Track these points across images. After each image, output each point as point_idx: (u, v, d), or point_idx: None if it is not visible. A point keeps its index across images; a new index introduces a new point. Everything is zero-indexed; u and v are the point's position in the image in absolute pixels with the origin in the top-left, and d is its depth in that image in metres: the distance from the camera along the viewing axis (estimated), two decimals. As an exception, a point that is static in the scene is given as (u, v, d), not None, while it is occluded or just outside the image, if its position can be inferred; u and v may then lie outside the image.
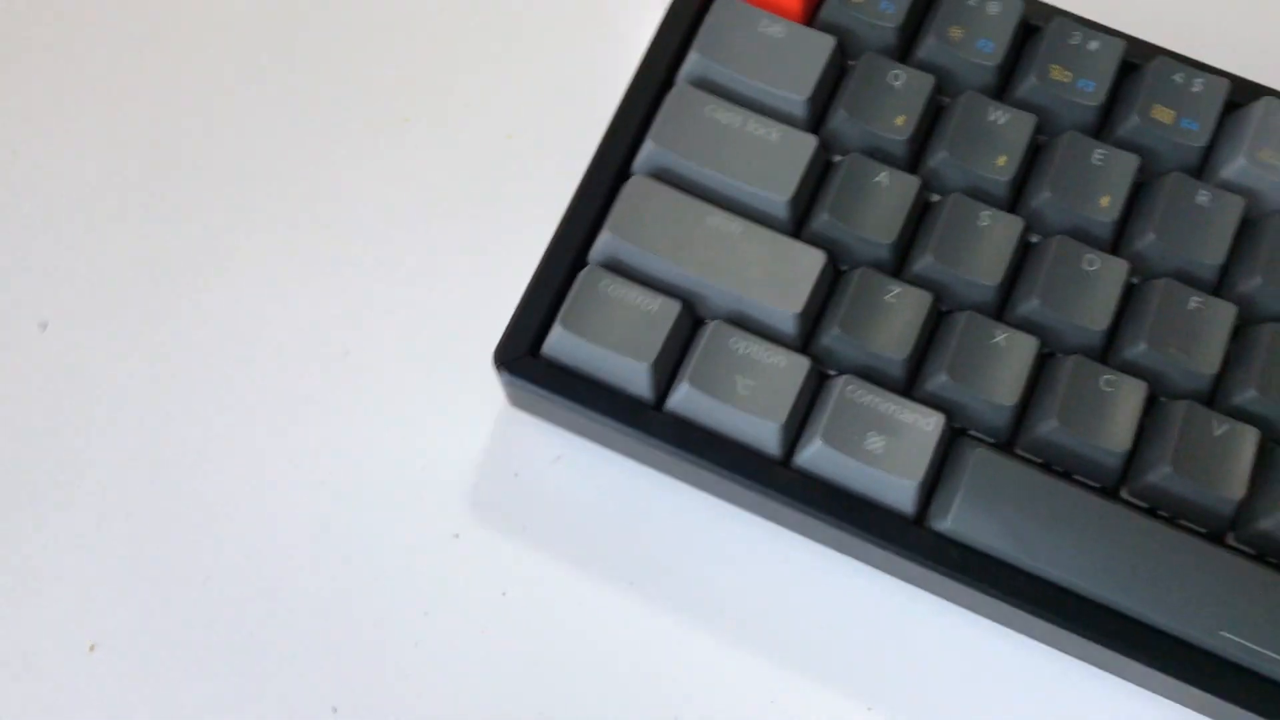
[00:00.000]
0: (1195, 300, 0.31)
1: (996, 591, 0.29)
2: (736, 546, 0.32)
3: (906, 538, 0.29)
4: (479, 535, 0.32)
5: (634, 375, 0.30)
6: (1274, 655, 0.28)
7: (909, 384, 0.31)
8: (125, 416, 0.33)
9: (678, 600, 0.32)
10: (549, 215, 0.35)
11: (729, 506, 0.32)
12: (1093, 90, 0.32)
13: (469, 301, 0.35)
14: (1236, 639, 0.28)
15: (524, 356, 0.31)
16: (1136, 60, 0.33)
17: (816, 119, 0.32)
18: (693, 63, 0.32)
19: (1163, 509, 0.30)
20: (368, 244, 0.35)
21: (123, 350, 0.34)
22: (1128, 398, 0.30)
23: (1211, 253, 0.31)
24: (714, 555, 0.32)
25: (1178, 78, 0.32)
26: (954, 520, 0.29)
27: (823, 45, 0.32)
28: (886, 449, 0.29)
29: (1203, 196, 0.31)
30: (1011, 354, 0.30)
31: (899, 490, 0.29)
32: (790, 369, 0.30)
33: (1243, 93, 0.33)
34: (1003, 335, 0.30)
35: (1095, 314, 0.30)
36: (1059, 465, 0.30)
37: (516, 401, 0.32)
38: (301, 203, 0.36)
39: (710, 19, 0.33)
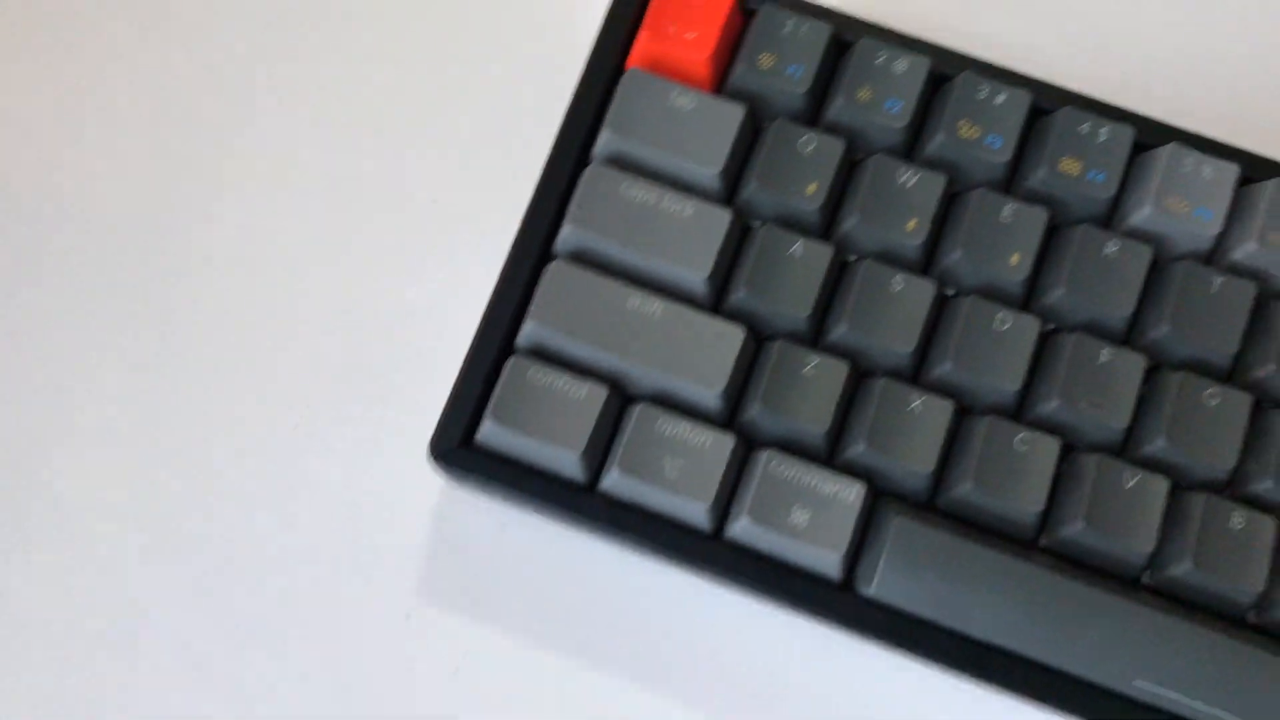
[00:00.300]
0: (1106, 353, 0.32)
1: (922, 651, 0.31)
2: (679, 607, 0.33)
3: (834, 605, 0.31)
4: (430, 614, 0.34)
5: (566, 462, 0.31)
6: (1184, 699, 0.30)
7: (831, 450, 0.32)
8: (72, 512, 0.34)
9: (626, 663, 0.33)
10: (478, 285, 0.35)
11: (671, 568, 0.33)
12: (1001, 146, 0.32)
13: (405, 378, 0.36)
14: (1150, 686, 0.30)
15: (458, 448, 0.32)
16: (1046, 105, 0.33)
17: (731, 188, 0.33)
18: (605, 140, 0.33)
19: (1079, 560, 0.31)
20: (299, 324, 0.36)
21: (62, 441, 0.35)
22: (1042, 456, 0.31)
23: (1121, 304, 0.32)
24: (659, 617, 0.33)
25: (1084, 128, 0.32)
26: (878, 587, 0.30)
27: (733, 115, 0.33)
28: (811, 522, 0.31)
29: (1111, 248, 0.32)
30: (927, 420, 0.31)
31: (825, 560, 0.31)
32: (716, 448, 0.31)
33: (1149, 133, 0.33)
34: (919, 401, 0.31)
35: (1008, 374, 0.31)
36: (978, 522, 0.31)
37: (457, 482, 0.33)
38: (234, 285, 0.36)
39: (620, 94, 0.33)
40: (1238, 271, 0.32)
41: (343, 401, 0.35)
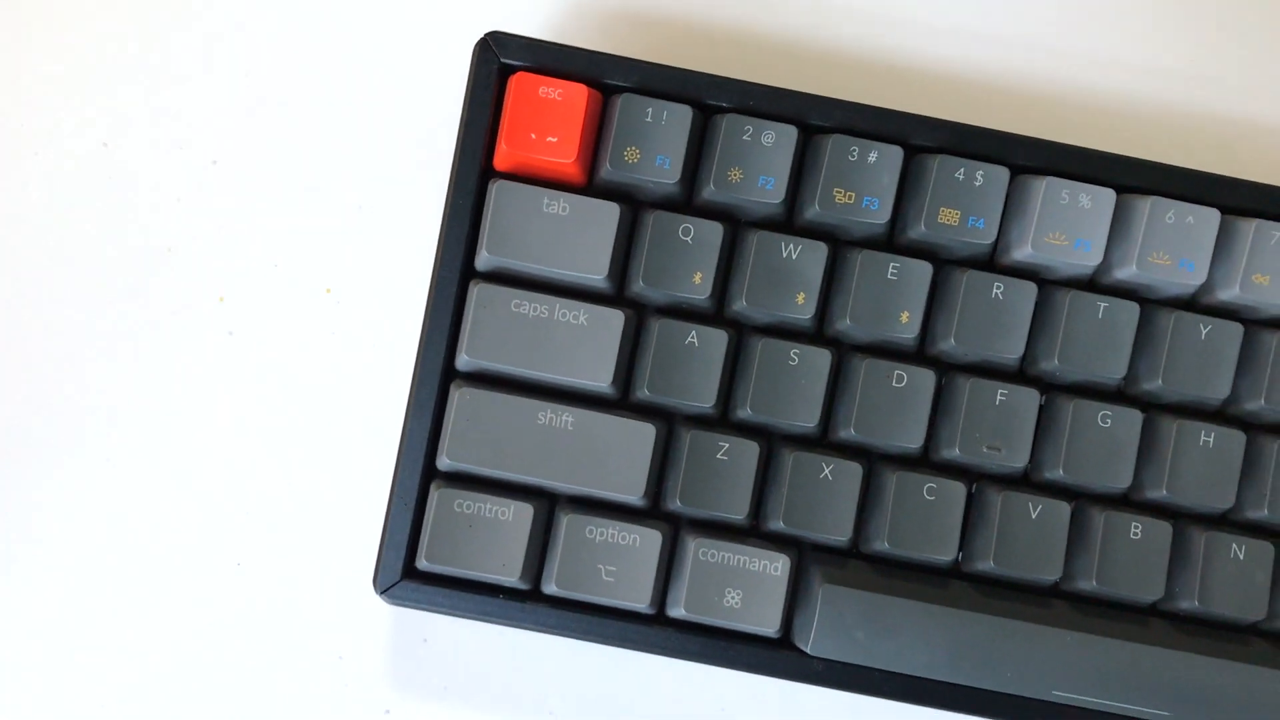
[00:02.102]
0: (1002, 393, 0.34)
1: (859, 690, 0.35)
2: (637, 669, 0.37)
3: (776, 664, 0.35)
4: (407, 706, 0.37)
5: (506, 580, 0.34)
6: (1097, 700, 0.34)
7: (755, 518, 0.35)
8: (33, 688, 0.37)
9: (594, 722, 0.37)
10: (389, 362, 0.37)
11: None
12: (878, 208, 0.33)
13: (339, 478, 0.38)
14: (1066, 694, 0.34)
15: (401, 581, 0.34)
16: (921, 142, 0.34)
17: (619, 283, 0.34)
18: (485, 260, 0.34)
19: (999, 583, 0.35)
20: (214, 449, 0.38)
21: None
22: (950, 502, 0.34)
23: (1011, 344, 0.34)
24: (622, 682, 0.37)
25: (959, 175, 0.33)
26: (814, 646, 0.34)
27: (608, 215, 0.34)
28: (744, 602, 0.34)
29: (997, 289, 0.34)
30: (839, 487, 0.34)
31: (761, 630, 0.34)
32: (645, 545, 0.34)
33: (1026, 154, 0.34)
34: (829, 469, 0.34)
35: (910, 429, 0.34)
36: (900, 564, 0.35)
37: (406, 609, 0.36)
38: (144, 422, 0.38)
39: (492, 209, 0.34)
40: (1121, 293, 0.34)
41: (283, 524, 0.38)
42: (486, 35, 0.34)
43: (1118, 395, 0.35)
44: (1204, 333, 0.34)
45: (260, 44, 0.39)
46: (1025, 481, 0.35)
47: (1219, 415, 0.35)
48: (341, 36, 0.39)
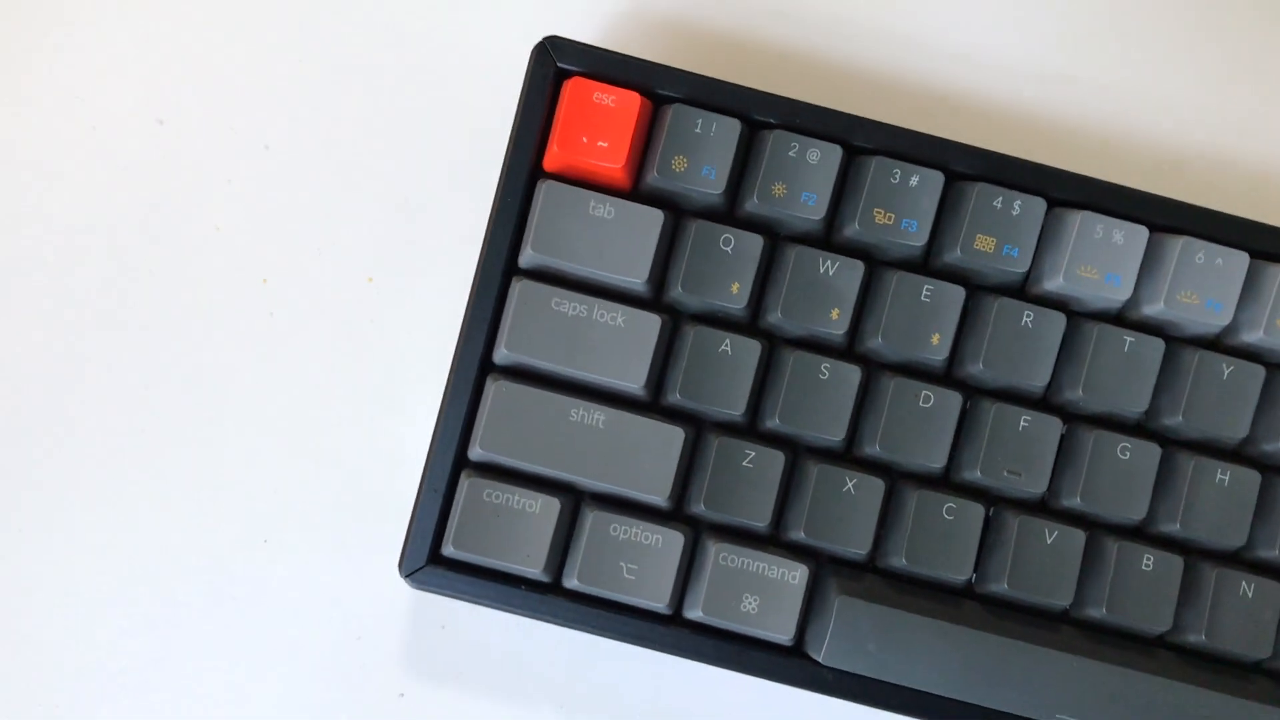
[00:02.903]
0: (1025, 419, 0.35)
1: (867, 702, 0.35)
2: (649, 669, 0.38)
3: (787, 671, 0.35)
4: (422, 690, 0.38)
5: (529, 572, 0.35)
6: (1101, 727, 0.35)
7: (776, 527, 0.36)
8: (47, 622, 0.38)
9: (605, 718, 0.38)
10: (426, 353, 0.38)
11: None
12: (916, 230, 0.34)
13: (370, 463, 0.39)
14: (1069, 718, 0.35)
15: (426, 565, 0.35)
16: (962, 169, 0.35)
17: (658, 288, 0.35)
18: (529, 258, 0.35)
19: (1011, 605, 0.36)
20: (249, 426, 0.39)
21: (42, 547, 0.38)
22: (968, 523, 0.35)
23: (1038, 372, 0.35)
24: (634, 680, 0.38)
25: (997, 203, 0.34)
26: (826, 656, 0.35)
27: (652, 221, 0.35)
28: (760, 608, 0.35)
29: (1027, 317, 0.35)
30: (861, 501, 0.35)
31: (776, 637, 0.35)
32: (668, 546, 0.35)
33: (1064, 188, 0.35)
34: (852, 483, 0.35)
35: (934, 449, 0.35)
36: (915, 581, 0.36)
37: (430, 593, 0.37)
38: (187, 399, 0.39)
39: (539, 208, 0.35)
40: (1148, 329, 0.35)
41: (314, 499, 0.39)
42: (544, 40, 0.35)
43: (1138, 429, 0.36)
44: (1226, 373, 0.35)
45: (319, 34, 0.40)
46: (1043, 507, 0.36)
47: (1236, 454, 0.36)
48: (401, 33, 0.40)
